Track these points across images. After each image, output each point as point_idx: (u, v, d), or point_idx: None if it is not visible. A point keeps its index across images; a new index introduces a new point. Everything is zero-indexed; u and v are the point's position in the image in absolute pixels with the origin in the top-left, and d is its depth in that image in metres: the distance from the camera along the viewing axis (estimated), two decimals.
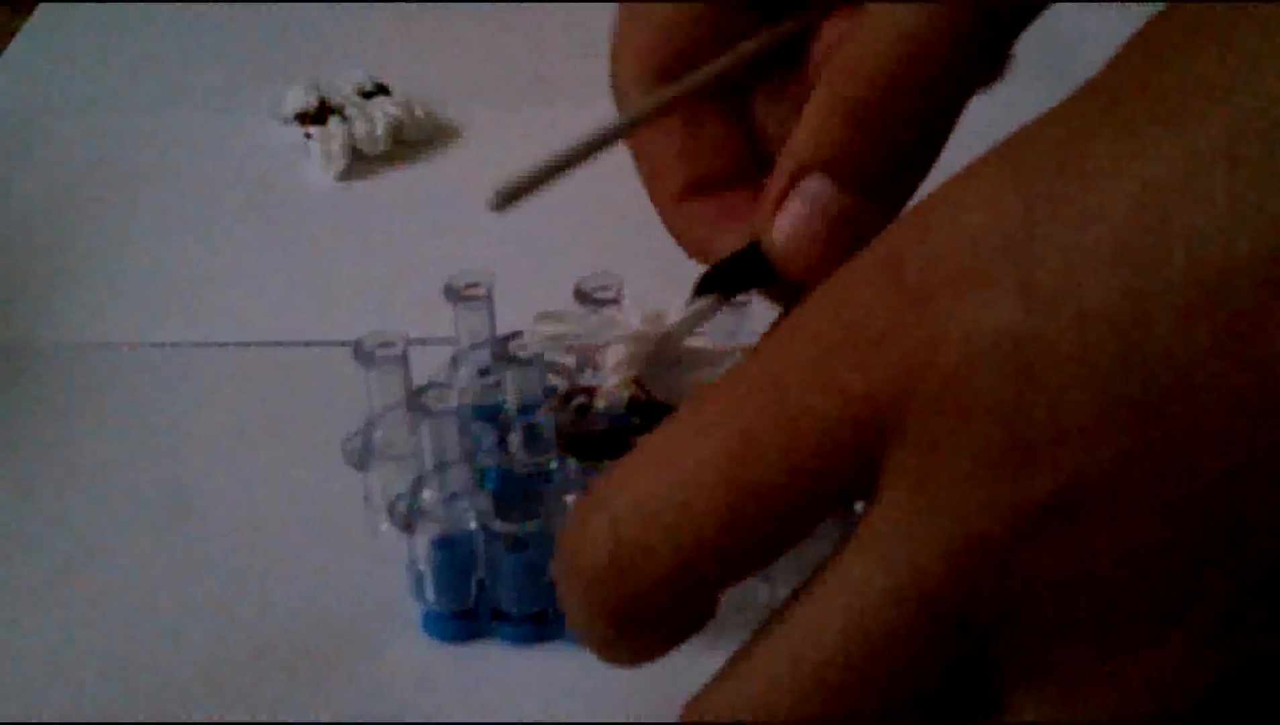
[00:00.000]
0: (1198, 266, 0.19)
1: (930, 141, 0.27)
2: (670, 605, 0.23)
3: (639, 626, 0.24)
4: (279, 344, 0.46)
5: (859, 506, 0.23)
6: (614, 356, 0.29)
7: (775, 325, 0.25)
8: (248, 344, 0.46)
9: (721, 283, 0.28)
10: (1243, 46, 0.20)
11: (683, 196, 0.31)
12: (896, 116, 0.26)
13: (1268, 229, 0.19)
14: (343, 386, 0.40)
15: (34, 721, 0.34)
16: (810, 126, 0.27)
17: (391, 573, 0.36)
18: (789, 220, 0.27)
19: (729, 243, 0.29)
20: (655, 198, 0.32)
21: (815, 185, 0.27)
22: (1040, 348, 0.20)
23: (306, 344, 0.46)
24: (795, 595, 0.23)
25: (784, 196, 0.27)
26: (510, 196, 0.29)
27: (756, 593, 0.35)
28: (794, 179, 0.27)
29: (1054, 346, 0.20)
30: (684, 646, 0.35)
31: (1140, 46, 0.23)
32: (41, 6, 0.67)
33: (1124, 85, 0.22)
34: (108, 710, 0.34)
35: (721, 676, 0.24)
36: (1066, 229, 0.20)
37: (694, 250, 0.31)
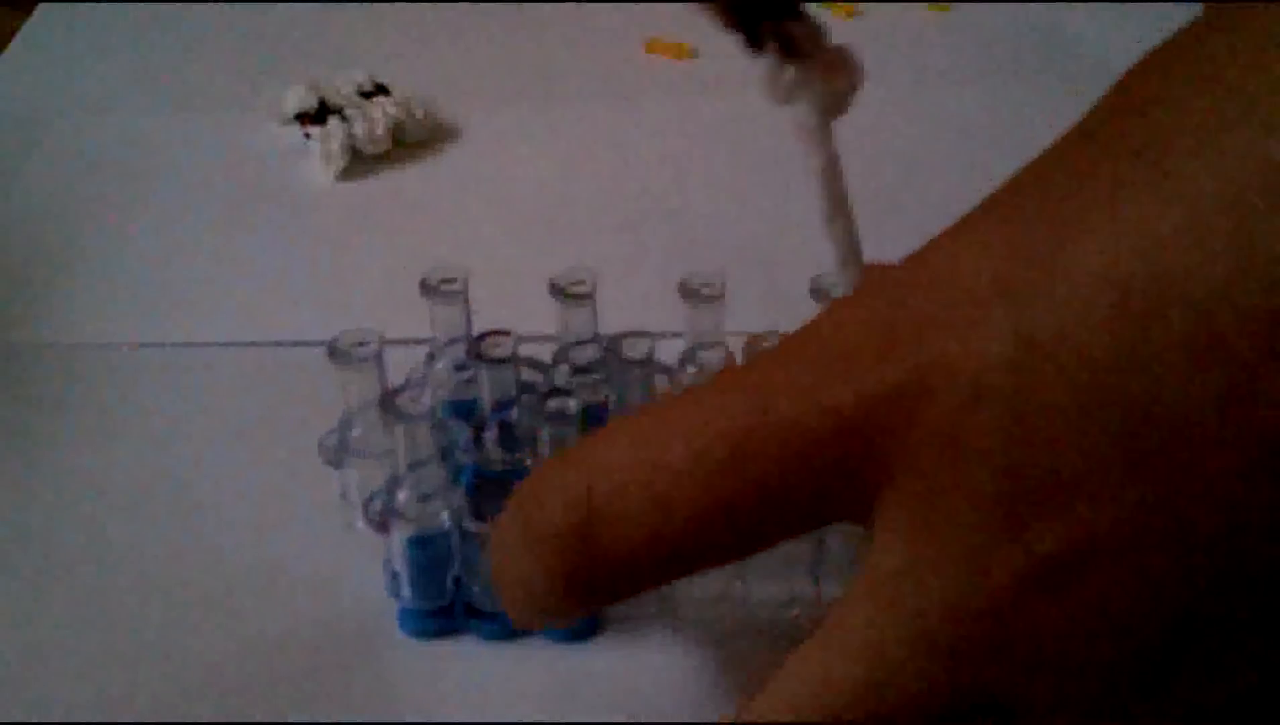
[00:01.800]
0: (1198, 321, 0.19)
1: None
2: (627, 581, 0.23)
3: (587, 592, 0.24)
4: (279, 344, 0.46)
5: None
6: None
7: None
8: (247, 344, 0.46)
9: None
10: (1232, 88, 0.20)
11: None
12: None
13: (1269, 282, 0.18)
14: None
15: (34, 721, 0.34)
16: None
17: (370, 569, 0.36)
18: None
19: None
20: None
21: None
22: (1036, 395, 0.20)
23: (306, 344, 0.46)
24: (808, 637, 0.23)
25: None
26: None
27: (731, 588, 0.35)
28: None
29: (1050, 395, 0.20)
30: (657, 644, 0.35)
31: (1127, 88, 0.23)
32: (41, 6, 0.67)
33: (1114, 130, 0.22)
34: (103, 711, 0.34)
35: (738, 718, 0.24)
36: (1060, 281, 0.20)
37: None
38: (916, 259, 0.22)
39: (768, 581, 0.35)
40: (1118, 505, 0.20)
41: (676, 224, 0.51)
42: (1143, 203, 0.20)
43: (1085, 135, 0.22)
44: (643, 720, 0.33)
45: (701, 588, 0.35)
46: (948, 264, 0.22)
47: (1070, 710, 0.21)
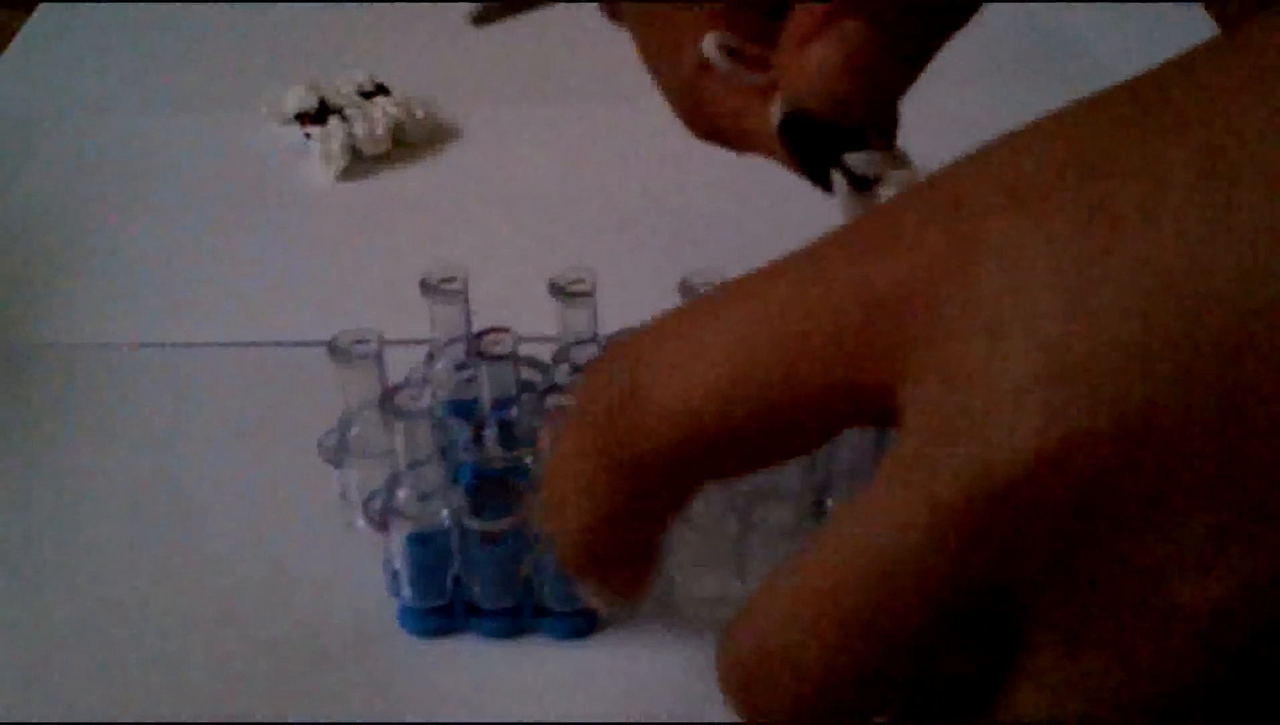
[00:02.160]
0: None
1: None
2: (667, 471, 0.23)
3: (634, 474, 0.23)
4: (279, 344, 0.46)
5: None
6: None
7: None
8: (247, 344, 0.46)
9: (802, 139, 0.27)
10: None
11: (703, 69, 0.30)
12: None
13: None
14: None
15: (33, 721, 0.34)
16: None
17: (370, 568, 0.37)
18: (821, 53, 0.27)
19: (755, 114, 0.28)
20: (665, 72, 0.31)
21: (849, 25, 0.27)
22: (1094, 287, 0.20)
23: (306, 344, 0.46)
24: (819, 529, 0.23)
25: (816, 31, 0.27)
26: (486, 17, 0.29)
27: (730, 588, 0.35)
28: (828, 16, 0.27)
29: (1112, 289, 0.20)
30: (656, 643, 0.35)
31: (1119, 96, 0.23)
32: (41, 6, 0.67)
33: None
34: (103, 711, 0.34)
35: (749, 607, 0.23)
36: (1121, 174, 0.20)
37: (713, 126, 0.30)
38: (970, 158, 0.23)
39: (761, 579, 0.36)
40: (1157, 388, 0.19)
41: (676, 224, 0.51)
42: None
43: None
44: (641, 718, 0.33)
45: (700, 588, 0.35)
46: (1000, 155, 0.22)
47: (1073, 617, 0.21)
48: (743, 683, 0.23)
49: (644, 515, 0.25)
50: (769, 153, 0.30)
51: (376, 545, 0.36)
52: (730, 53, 0.29)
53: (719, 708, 0.33)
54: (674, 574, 0.36)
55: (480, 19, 0.28)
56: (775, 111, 0.28)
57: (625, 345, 0.24)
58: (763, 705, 0.23)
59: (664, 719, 0.34)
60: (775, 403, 0.22)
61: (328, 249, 0.51)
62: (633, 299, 0.41)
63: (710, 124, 0.31)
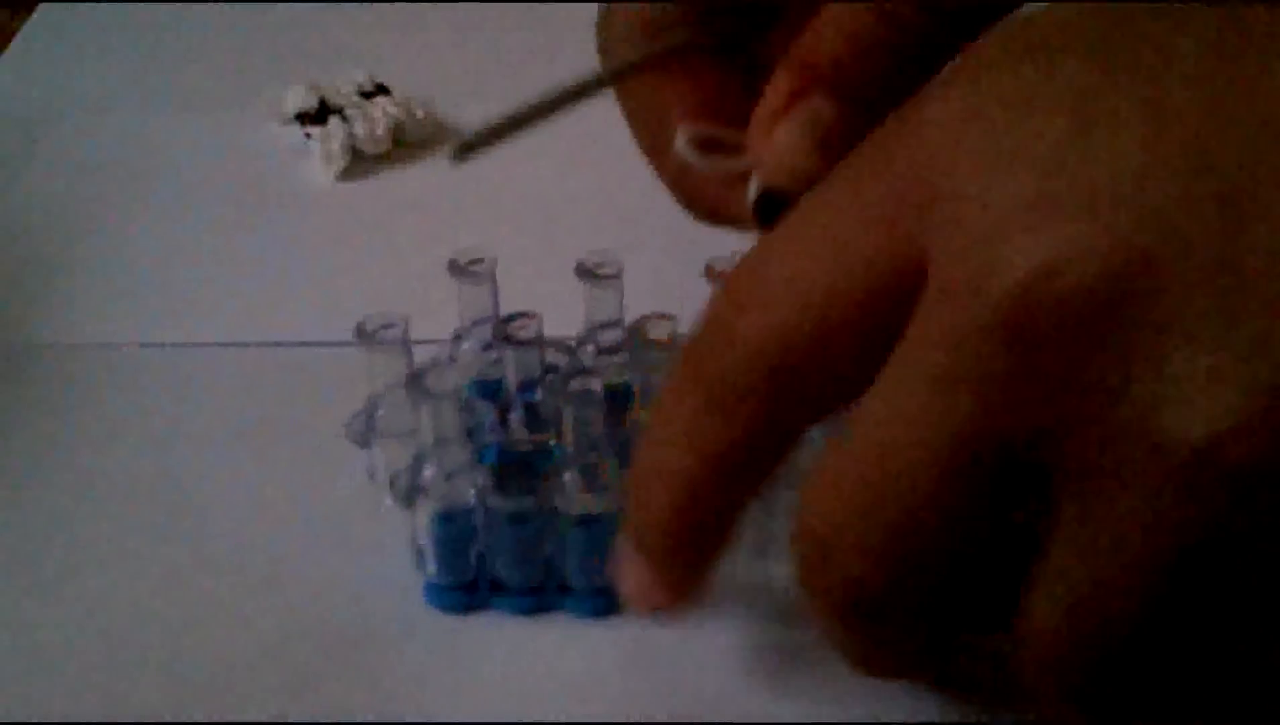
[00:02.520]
0: None
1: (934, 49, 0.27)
2: (763, 409, 0.24)
3: (732, 415, 0.24)
4: (279, 344, 0.46)
5: None
6: None
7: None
8: (247, 344, 0.46)
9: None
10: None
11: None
12: (899, 31, 0.26)
13: None
14: (343, 386, 0.40)
15: (34, 722, 0.34)
16: (812, 42, 0.27)
17: (395, 548, 0.37)
18: (788, 133, 0.27)
19: (738, 197, 0.29)
20: (656, 157, 0.31)
21: (817, 102, 0.27)
22: (1097, 119, 0.20)
23: (306, 344, 0.46)
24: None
25: (783, 111, 0.27)
26: (469, 147, 0.29)
27: (753, 569, 0.36)
28: (794, 96, 0.27)
29: (1116, 121, 0.20)
30: (679, 622, 0.36)
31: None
32: (41, 6, 0.67)
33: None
34: (110, 710, 0.34)
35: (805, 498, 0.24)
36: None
37: (702, 209, 0.31)
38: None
39: (786, 562, 0.36)
40: (1170, 222, 0.20)
41: (676, 224, 0.51)
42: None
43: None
44: (661, 698, 0.34)
45: (723, 569, 0.36)
46: (1005, 29, 0.23)
47: (1095, 457, 0.21)
48: (806, 570, 0.24)
49: (743, 466, 0.25)
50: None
51: (404, 526, 0.36)
52: (704, 143, 0.29)
53: (740, 687, 0.34)
54: None
55: (462, 150, 0.29)
56: (751, 191, 0.28)
57: (719, 290, 0.25)
58: (824, 594, 0.24)
59: (684, 698, 0.34)
60: (839, 317, 0.23)
61: (327, 249, 0.51)
62: (630, 299, 0.41)
63: (701, 211, 0.31)
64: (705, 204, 0.31)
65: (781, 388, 0.24)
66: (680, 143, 0.30)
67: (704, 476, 0.25)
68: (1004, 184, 0.21)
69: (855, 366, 0.23)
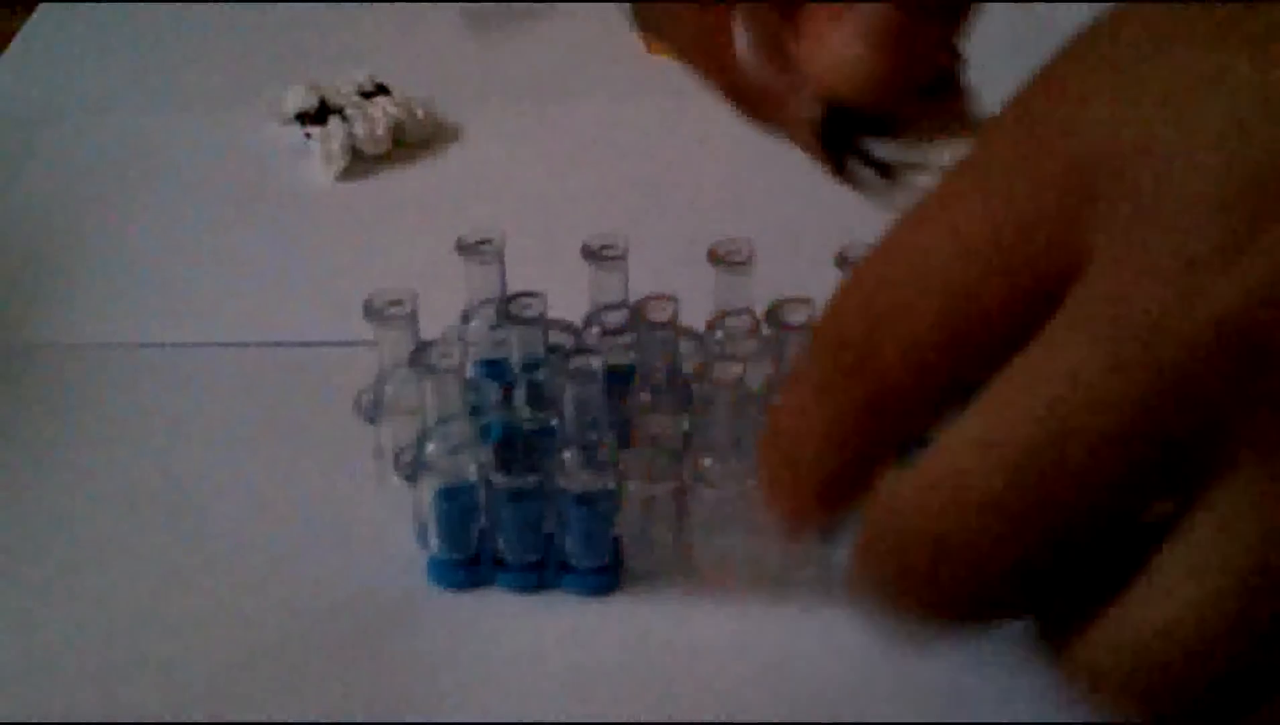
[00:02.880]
0: None
1: None
2: (912, 399, 0.23)
3: (879, 411, 0.23)
4: (279, 344, 0.46)
5: None
6: None
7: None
8: (247, 344, 0.46)
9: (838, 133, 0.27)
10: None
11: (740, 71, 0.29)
12: None
13: None
14: (343, 385, 0.40)
15: (34, 722, 0.34)
16: None
17: (398, 536, 0.38)
18: (842, 37, 0.27)
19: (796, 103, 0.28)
20: (715, 74, 0.30)
21: (866, 6, 0.26)
22: (1264, 108, 0.19)
23: (306, 344, 0.46)
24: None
25: (838, 15, 0.26)
26: None
27: (749, 546, 0.36)
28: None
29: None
30: (676, 599, 0.36)
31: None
32: (41, 6, 0.67)
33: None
34: (112, 710, 0.34)
35: (924, 463, 0.23)
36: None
37: (766, 119, 0.30)
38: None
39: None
40: None
41: (681, 208, 0.51)
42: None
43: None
44: (661, 673, 0.34)
45: (720, 546, 0.36)
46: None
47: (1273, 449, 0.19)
48: (904, 573, 0.22)
49: (879, 451, 0.24)
50: (807, 148, 0.29)
51: (408, 509, 0.37)
52: (766, 43, 0.28)
53: (738, 663, 0.34)
54: (693, 532, 0.36)
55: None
56: (809, 107, 0.28)
57: (851, 283, 0.24)
58: (927, 592, 0.22)
59: (683, 674, 0.34)
60: (989, 318, 0.22)
61: (327, 249, 0.51)
62: (630, 298, 0.41)
63: (765, 120, 0.30)
64: (769, 113, 0.29)
65: (933, 384, 0.23)
66: (741, 46, 0.29)
67: (847, 464, 0.24)
68: (1173, 183, 0.20)
69: (986, 361, 0.22)
